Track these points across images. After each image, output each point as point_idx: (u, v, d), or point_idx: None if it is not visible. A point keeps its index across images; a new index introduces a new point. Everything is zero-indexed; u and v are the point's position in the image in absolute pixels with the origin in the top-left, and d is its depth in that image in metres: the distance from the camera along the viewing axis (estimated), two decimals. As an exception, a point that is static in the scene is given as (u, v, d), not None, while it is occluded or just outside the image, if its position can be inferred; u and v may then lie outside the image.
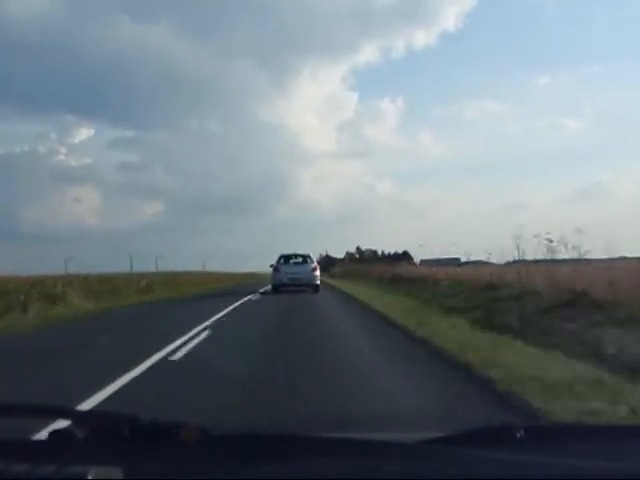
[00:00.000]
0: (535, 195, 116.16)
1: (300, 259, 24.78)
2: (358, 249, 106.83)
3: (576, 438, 1.33)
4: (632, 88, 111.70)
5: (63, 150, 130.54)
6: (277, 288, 22.89)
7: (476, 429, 1.25)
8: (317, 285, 22.82)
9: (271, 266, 24.37)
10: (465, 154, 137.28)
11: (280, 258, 24.57)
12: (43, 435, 1.29)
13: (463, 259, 37.20)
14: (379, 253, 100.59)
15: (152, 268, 43.88)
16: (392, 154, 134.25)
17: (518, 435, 1.22)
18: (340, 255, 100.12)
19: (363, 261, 76.46)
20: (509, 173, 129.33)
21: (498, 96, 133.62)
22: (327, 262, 74.28)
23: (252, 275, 57.51)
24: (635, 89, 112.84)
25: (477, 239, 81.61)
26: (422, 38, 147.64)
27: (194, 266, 56.17)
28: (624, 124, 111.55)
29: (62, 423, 1.29)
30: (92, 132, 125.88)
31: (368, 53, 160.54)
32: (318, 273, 23.48)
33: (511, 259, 18.53)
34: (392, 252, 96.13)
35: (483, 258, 25.83)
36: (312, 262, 24.09)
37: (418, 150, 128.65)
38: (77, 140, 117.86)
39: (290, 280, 22.72)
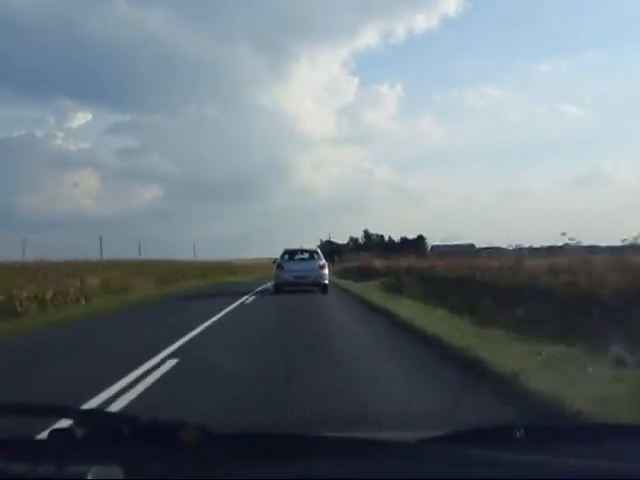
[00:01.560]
0: (536, 181, 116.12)
1: (306, 255, 22.41)
2: (366, 233, 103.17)
3: (576, 438, 1.33)
4: (633, 75, 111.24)
5: (61, 134, 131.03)
6: (280, 287, 20.61)
7: (476, 428, 1.25)
8: (326, 285, 20.59)
9: (274, 262, 22.42)
10: (465, 140, 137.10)
11: (284, 254, 22.09)
12: (43, 434, 1.28)
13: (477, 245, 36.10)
14: (386, 238, 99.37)
15: (134, 254, 36.53)
16: (392, 140, 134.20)
17: (518, 435, 1.22)
18: (342, 241, 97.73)
19: (372, 248, 72.63)
20: (509, 159, 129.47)
21: (499, 82, 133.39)
22: (330, 249, 63.46)
23: (253, 267, 53.79)
24: (636, 76, 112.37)
25: (479, 225, 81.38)
26: (423, 22, 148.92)
27: (187, 253, 51.44)
28: (624, 110, 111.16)
29: (62, 422, 1.29)
30: (90, 117, 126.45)
31: (369, 37, 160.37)
32: (327, 271, 21.17)
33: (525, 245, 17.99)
34: (400, 237, 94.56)
35: (502, 245, 24.84)
36: (320, 258, 21.67)
37: (418, 136, 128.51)
38: (75, 125, 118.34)
39: (295, 278, 20.55)
